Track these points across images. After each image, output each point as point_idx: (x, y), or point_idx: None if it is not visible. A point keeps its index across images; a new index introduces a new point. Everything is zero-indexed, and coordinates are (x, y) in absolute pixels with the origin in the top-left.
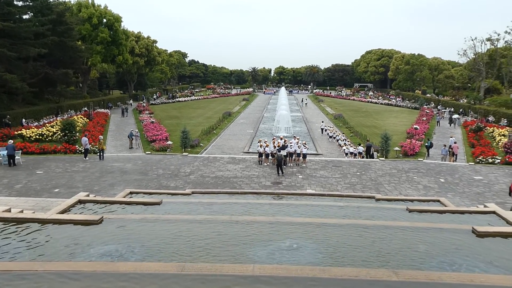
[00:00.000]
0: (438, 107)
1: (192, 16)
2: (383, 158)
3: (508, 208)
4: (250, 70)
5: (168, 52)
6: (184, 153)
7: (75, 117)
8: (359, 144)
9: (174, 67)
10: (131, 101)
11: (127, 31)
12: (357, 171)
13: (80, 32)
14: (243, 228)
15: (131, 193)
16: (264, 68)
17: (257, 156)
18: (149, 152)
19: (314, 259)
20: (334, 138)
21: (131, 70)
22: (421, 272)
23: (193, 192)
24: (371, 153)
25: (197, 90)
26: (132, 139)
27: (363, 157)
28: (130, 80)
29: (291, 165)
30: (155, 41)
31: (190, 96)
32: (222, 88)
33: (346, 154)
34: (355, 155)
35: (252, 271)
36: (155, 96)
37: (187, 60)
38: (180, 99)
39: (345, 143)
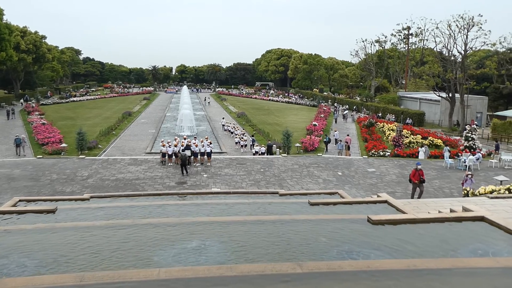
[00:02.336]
0: (335, 104)
1: (86, 12)
2: (285, 155)
3: (398, 196)
4: (150, 69)
5: (60, 48)
6: (80, 156)
7: None
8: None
9: (66, 65)
10: (22, 100)
11: (11, 25)
12: (261, 168)
13: None
14: (147, 231)
15: (20, 201)
16: (165, 66)
17: (160, 157)
18: (41, 156)
19: (222, 257)
20: (233, 133)
21: (16, 67)
22: (323, 262)
23: (91, 197)
24: (272, 152)
25: (94, 89)
26: (20, 145)
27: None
28: (16, 79)
29: (196, 164)
30: (44, 37)
31: (85, 95)
32: (120, 87)
33: (254, 154)
34: (262, 153)
35: (158, 275)
36: (46, 96)
37: (81, 57)
38: (75, 98)
39: (241, 138)
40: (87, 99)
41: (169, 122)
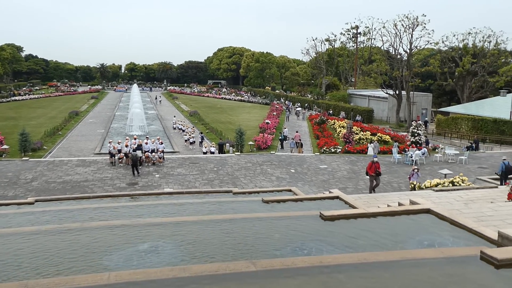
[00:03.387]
0: (286, 102)
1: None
2: (238, 153)
3: (349, 192)
4: (98, 66)
5: None
6: (24, 158)
7: None
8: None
9: (7, 62)
10: None
11: None
12: (214, 167)
13: None
14: (97, 234)
15: None
16: (114, 64)
17: (110, 157)
18: None
19: (175, 259)
20: (183, 131)
21: None
22: (277, 259)
23: (36, 201)
24: (223, 150)
25: (37, 88)
26: None
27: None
28: None
29: (147, 164)
30: None
31: (28, 94)
32: (67, 86)
33: (205, 153)
34: (212, 153)
35: (108, 280)
36: None
37: (23, 54)
38: (17, 98)
39: (190, 135)
40: (30, 98)
41: (119, 121)
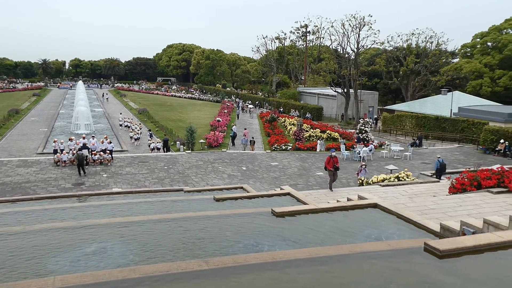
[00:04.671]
0: (236, 99)
1: None
2: (189, 151)
3: (300, 188)
4: (40, 62)
5: None
6: None
7: None
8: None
9: None
10: None
11: None
12: (164, 166)
13: None
14: (40, 237)
15: None
16: (57, 60)
17: (54, 157)
18: None
19: (125, 259)
20: (130, 127)
21: None
22: (229, 257)
23: None
24: (168, 146)
25: None
26: None
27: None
28: None
29: (94, 164)
30: None
31: None
32: (5, 82)
33: (152, 149)
34: (159, 149)
35: (53, 284)
36: None
37: None
38: None
39: (136, 131)
40: None
41: (63, 120)
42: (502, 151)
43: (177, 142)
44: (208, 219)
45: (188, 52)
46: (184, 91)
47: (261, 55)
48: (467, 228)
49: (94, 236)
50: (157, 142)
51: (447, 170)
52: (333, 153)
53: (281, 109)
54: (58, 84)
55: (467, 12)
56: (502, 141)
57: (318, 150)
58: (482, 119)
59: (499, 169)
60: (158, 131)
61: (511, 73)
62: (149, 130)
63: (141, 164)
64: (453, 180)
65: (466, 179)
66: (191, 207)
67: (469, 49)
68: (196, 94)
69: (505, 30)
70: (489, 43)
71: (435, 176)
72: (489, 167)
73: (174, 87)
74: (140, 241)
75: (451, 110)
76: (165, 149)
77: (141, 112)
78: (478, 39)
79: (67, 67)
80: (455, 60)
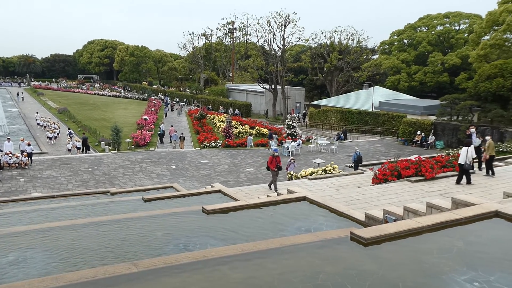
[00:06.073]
0: (164, 97)
1: None
2: (115, 151)
3: (231, 185)
4: None
5: None
6: None
7: None
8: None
9: None
10: None
11: None
12: (88, 167)
13: None
14: None
15: None
16: None
17: None
18: None
19: (46, 268)
20: (45, 127)
21: None
22: (159, 258)
23: None
24: (87, 145)
25: None
26: None
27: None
28: None
29: (10, 168)
30: None
31: None
32: None
33: (69, 150)
34: (79, 148)
35: None
36: None
37: None
38: None
39: (53, 130)
40: None
41: None
42: (419, 142)
43: (102, 142)
44: (137, 220)
45: (111, 49)
46: (108, 89)
47: (188, 52)
48: (389, 216)
49: (12, 245)
50: (76, 141)
51: (371, 162)
52: (276, 153)
53: (210, 106)
54: None
55: (384, 10)
56: (419, 132)
57: (248, 146)
58: (401, 112)
59: (417, 159)
60: (80, 131)
61: (425, 69)
62: (69, 129)
63: (63, 167)
64: (376, 171)
65: (387, 170)
66: (118, 209)
67: (387, 46)
68: (121, 92)
69: (419, 28)
70: (405, 40)
71: (352, 166)
72: (408, 158)
73: (97, 85)
74: (64, 247)
75: (373, 104)
76: (84, 148)
77: (62, 112)
78: (395, 37)
79: None
80: (375, 57)
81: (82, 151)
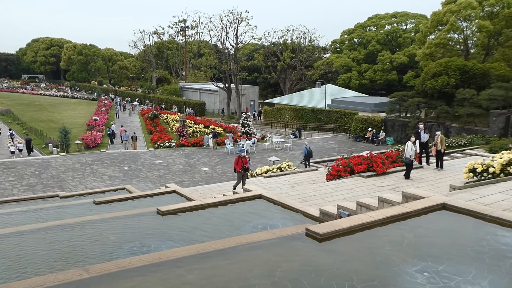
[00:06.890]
0: (115, 97)
1: None
2: (64, 153)
3: (186, 185)
4: None
5: None
6: None
7: None
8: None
9: None
10: None
11: None
12: (35, 171)
13: None
14: None
15: None
16: None
17: None
18: None
19: None
20: None
21: None
22: (112, 262)
23: None
24: (31, 147)
25: None
26: None
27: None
28: None
29: None
30: None
31: None
32: None
33: (12, 152)
34: (21, 150)
35: None
36: None
37: None
38: None
39: None
40: None
41: None
42: (370, 138)
43: (50, 144)
44: (89, 224)
45: (57, 47)
46: (54, 89)
47: (139, 50)
48: (343, 211)
49: None
50: (18, 143)
51: (324, 158)
52: (243, 153)
53: (163, 106)
54: None
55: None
56: (370, 129)
57: (210, 145)
58: (353, 109)
59: (368, 155)
60: (25, 133)
61: (375, 67)
62: (10, 129)
63: (7, 171)
64: (330, 168)
65: (340, 166)
66: (68, 213)
67: (338, 45)
68: (69, 92)
69: (368, 28)
70: (355, 39)
71: (304, 162)
72: (360, 154)
73: (43, 85)
74: (10, 256)
75: (325, 102)
76: (27, 150)
77: (5, 113)
78: (346, 36)
79: None
80: (327, 55)
81: (26, 154)
